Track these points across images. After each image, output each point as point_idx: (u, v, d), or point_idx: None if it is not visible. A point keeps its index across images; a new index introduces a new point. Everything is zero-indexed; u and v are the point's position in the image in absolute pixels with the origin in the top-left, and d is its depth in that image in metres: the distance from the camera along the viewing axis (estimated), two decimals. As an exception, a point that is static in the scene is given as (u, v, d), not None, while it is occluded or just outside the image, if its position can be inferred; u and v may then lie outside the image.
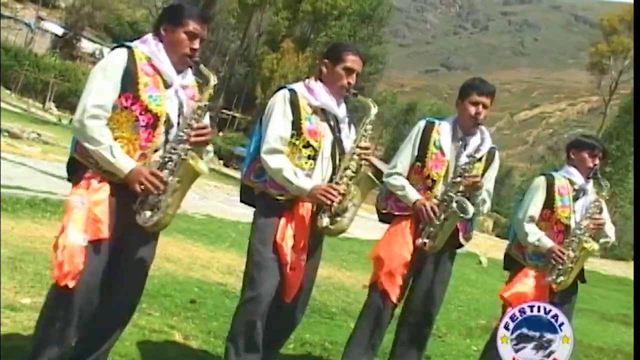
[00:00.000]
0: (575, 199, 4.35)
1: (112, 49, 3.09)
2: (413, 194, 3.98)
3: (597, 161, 4.39)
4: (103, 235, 2.91)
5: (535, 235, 4.27)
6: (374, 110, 3.53)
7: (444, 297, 4.23)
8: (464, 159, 3.99)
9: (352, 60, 3.54)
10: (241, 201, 3.75)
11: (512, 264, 4.46)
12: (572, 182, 4.38)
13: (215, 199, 16.03)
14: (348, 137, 3.67)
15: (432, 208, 3.91)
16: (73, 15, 44.98)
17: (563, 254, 4.15)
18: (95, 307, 3.02)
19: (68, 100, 32.82)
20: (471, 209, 3.90)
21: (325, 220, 3.42)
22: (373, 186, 3.48)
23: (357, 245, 12.78)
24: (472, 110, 3.99)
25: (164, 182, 2.92)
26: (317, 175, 3.48)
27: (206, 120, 3.11)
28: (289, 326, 3.76)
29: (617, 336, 9.07)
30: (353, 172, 3.44)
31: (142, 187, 2.90)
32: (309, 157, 3.47)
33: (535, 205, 4.34)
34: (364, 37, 50.51)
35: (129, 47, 3.03)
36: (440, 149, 4.01)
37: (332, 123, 3.57)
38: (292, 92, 3.52)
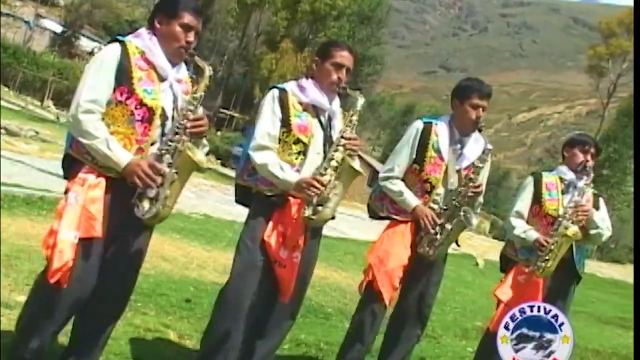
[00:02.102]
0: (565, 192, 4.36)
1: (107, 44, 3.06)
2: (412, 200, 3.96)
3: (588, 157, 4.39)
4: (97, 234, 2.88)
5: (521, 228, 4.33)
6: (360, 101, 3.45)
7: (436, 296, 4.24)
8: (464, 163, 3.97)
9: (340, 56, 3.51)
10: (236, 201, 3.71)
11: (508, 265, 4.47)
12: (561, 179, 4.41)
13: (212, 198, 16.02)
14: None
15: (432, 217, 3.91)
16: (72, 13, 44.86)
17: (546, 242, 4.16)
18: (84, 304, 3.00)
19: (66, 98, 32.60)
20: (475, 219, 3.90)
21: (308, 211, 3.36)
22: (355, 176, 3.39)
23: (353, 246, 12.77)
24: (473, 114, 3.96)
25: (161, 173, 2.90)
26: (308, 170, 3.44)
27: (200, 111, 3.07)
28: (282, 325, 3.69)
29: (613, 339, 9.06)
30: (338, 162, 3.38)
31: (140, 179, 2.87)
32: (299, 153, 3.44)
33: (522, 202, 4.42)
34: (363, 38, 50.56)
35: (122, 42, 3.01)
36: (439, 152, 3.98)
37: (323, 119, 3.55)
38: (282, 91, 3.52)
